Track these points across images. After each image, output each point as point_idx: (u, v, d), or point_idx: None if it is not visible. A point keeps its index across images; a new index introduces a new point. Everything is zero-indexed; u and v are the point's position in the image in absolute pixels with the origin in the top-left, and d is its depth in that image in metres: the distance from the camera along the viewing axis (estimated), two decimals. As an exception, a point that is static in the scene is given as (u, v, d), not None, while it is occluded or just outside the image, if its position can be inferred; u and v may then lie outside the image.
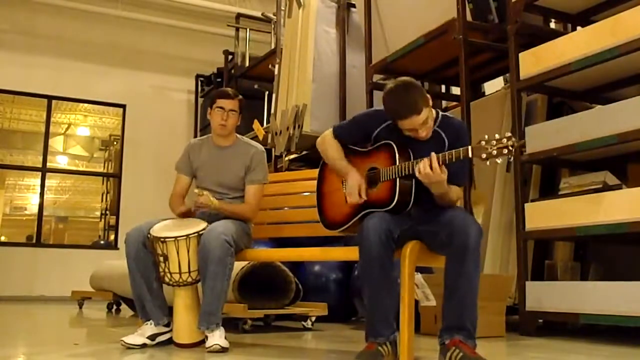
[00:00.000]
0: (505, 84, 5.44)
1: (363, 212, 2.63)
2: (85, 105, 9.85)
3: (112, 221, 9.62)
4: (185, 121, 9.59)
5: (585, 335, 4.00)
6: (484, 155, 2.35)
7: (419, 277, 3.75)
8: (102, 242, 10.65)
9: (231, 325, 3.61)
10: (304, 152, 6.54)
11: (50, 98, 9.01)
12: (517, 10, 4.17)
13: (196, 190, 3.17)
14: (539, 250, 4.42)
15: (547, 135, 3.89)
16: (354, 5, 6.25)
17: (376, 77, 5.59)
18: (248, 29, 8.41)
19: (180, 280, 3.02)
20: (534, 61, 4.01)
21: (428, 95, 2.54)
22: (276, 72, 6.63)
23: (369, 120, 2.75)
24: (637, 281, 3.38)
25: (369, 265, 2.46)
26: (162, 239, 2.98)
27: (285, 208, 3.70)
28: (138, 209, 7.95)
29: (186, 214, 3.24)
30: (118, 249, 8.67)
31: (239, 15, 8.60)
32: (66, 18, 8.89)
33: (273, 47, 7.20)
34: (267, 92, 7.06)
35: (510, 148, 2.31)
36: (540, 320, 4.24)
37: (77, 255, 8.70)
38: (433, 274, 3.76)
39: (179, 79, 9.49)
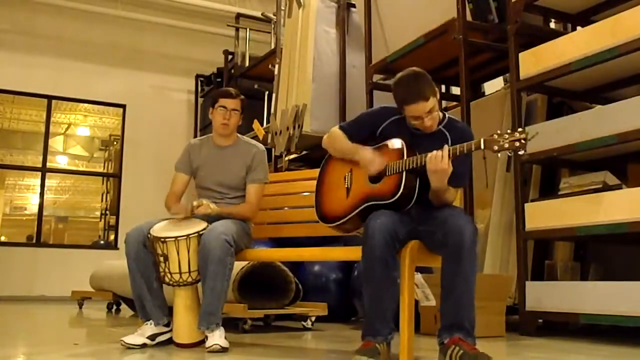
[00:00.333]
0: (505, 84, 5.45)
1: (364, 205, 2.63)
2: (85, 105, 9.84)
3: (112, 221, 9.62)
4: (185, 121, 9.59)
5: (585, 335, 4.00)
6: (495, 147, 2.40)
7: (419, 277, 3.75)
8: (102, 242, 10.63)
9: (231, 325, 3.61)
10: (304, 152, 6.54)
11: (50, 98, 9.00)
12: (517, 10, 4.17)
13: (194, 203, 3.13)
14: (539, 250, 4.42)
15: (547, 135, 3.89)
16: (354, 5, 6.25)
17: (376, 77, 5.59)
18: (248, 29, 8.42)
19: (181, 280, 3.02)
20: (534, 61, 4.00)
21: (436, 88, 2.59)
22: (276, 72, 6.63)
23: (374, 117, 2.80)
24: (637, 281, 3.39)
25: (371, 264, 2.46)
26: (162, 239, 2.98)
27: (285, 208, 3.70)
28: (138, 209, 7.93)
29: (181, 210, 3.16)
30: (118, 249, 8.67)
31: (238, 15, 8.61)
32: (66, 18, 8.89)
33: (273, 47, 7.20)
34: (267, 92, 7.06)
35: (523, 142, 2.34)
36: (540, 320, 4.24)
37: (77, 255, 8.70)
38: (433, 274, 3.76)
39: (179, 79, 9.49)
